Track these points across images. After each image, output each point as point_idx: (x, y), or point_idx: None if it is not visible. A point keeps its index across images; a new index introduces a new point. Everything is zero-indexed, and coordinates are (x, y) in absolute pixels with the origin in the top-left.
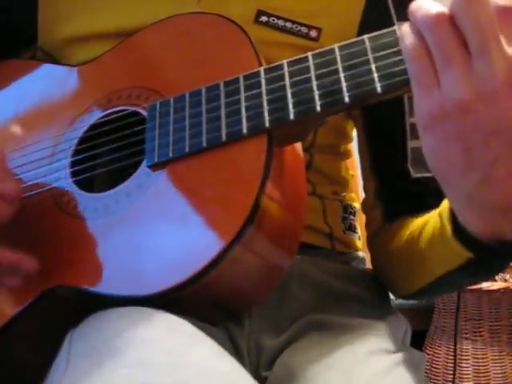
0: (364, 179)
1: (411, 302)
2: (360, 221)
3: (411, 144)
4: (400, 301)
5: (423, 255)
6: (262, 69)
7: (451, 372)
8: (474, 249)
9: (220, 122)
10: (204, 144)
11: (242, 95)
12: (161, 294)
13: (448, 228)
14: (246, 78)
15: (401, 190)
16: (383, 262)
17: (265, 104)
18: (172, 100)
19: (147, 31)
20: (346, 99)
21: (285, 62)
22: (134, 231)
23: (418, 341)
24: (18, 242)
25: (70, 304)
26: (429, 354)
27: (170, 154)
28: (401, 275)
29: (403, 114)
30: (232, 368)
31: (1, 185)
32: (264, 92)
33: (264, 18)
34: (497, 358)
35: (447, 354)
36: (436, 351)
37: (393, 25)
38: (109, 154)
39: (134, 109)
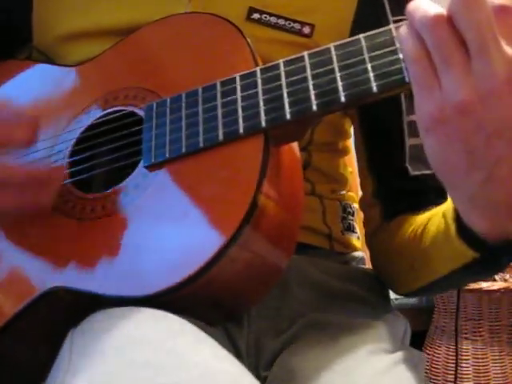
0: (361, 177)
1: (411, 301)
2: (359, 220)
3: (409, 142)
4: (400, 301)
5: (427, 254)
6: (258, 68)
7: (451, 372)
8: (480, 249)
9: (217, 122)
10: (201, 144)
11: (239, 95)
12: (159, 295)
13: (452, 228)
14: (242, 77)
15: (399, 189)
16: (383, 259)
17: (261, 104)
18: (168, 100)
19: (143, 32)
20: (342, 99)
21: (281, 61)
22: (132, 232)
23: (418, 341)
24: (16, 242)
25: (68, 304)
26: (429, 354)
27: (167, 155)
28: (402, 273)
29: (400, 112)
30: (235, 368)
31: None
32: (260, 92)
33: (256, 16)
34: (497, 358)
35: (447, 354)
36: (436, 351)
37: (388, 21)
38: (106, 155)
39: (130, 109)
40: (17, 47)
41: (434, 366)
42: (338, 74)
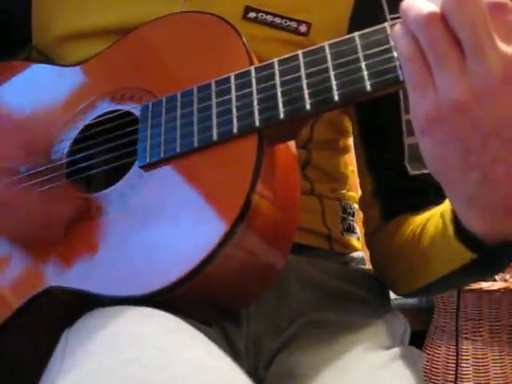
0: (360, 177)
1: (411, 301)
2: (359, 221)
3: (408, 141)
4: (400, 301)
5: (425, 255)
6: (252, 68)
7: (451, 372)
8: (478, 250)
9: (211, 121)
10: (195, 144)
11: (233, 94)
12: (154, 294)
13: (450, 229)
14: (236, 77)
15: (398, 188)
16: (383, 259)
17: (255, 103)
18: (164, 100)
19: (139, 32)
20: (336, 98)
21: (275, 60)
22: (127, 232)
23: (418, 341)
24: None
25: (65, 304)
26: (429, 354)
27: (162, 155)
28: (401, 273)
29: (399, 111)
30: (227, 366)
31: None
32: (254, 91)
33: (252, 14)
34: (497, 358)
35: (447, 354)
36: (436, 351)
37: (385, 19)
38: (103, 155)
39: (127, 109)
40: (16, 47)
41: (434, 365)
42: (331, 73)
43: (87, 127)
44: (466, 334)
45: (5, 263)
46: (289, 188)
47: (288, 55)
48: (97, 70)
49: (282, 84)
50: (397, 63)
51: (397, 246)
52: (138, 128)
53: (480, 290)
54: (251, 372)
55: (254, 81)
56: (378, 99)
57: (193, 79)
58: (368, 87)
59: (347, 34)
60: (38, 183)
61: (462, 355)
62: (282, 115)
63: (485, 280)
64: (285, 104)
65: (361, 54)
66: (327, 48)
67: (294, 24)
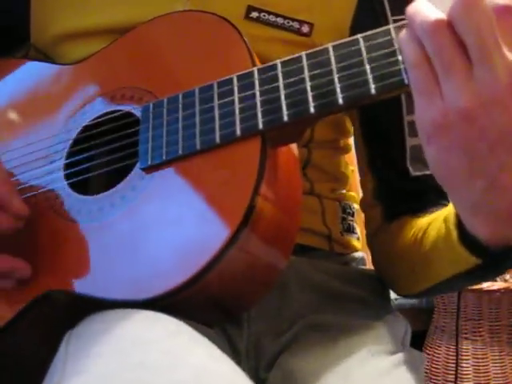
0: (362, 177)
1: (411, 302)
2: (360, 221)
3: (410, 142)
4: (400, 301)
5: (427, 259)
6: (255, 69)
7: (451, 372)
8: (482, 255)
9: (213, 124)
10: (197, 146)
11: (236, 96)
12: (158, 298)
13: (454, 234)
14: (239, 78)
15: (400, 189)
16: (384, 261)
17: (258, 105)
18: (165, 101)
19: (139, 30)
20: (340, 101)
21: (278, 62)
22: (129, 235)
23: (418, 341)
24: (12, 245)
25: (67, 307)
26: (429, 354)
27: (164, 157)
28: (402, 276)
29: (401, 112)
30: (230, 369)
31: (10, 200)
32: (257, 93)
33: (254, 14)
34: (497, 358)
35: (447, 354)
36: (436, 351)
37: (387, 20)
38: (103, 156)
39: (127, 110)
40: (15, 46)
41: (434, 366)
42: (335, 76)
43: (86, 128)
44: (465, 333)
45: None
46: (291, 190)
47: (291, 57)
48: (95, 69)
49: (286, 86)
50: (401, 66)
51: (398, 248)
52: (139, 129)
53: (480, 290)
54: (252, 373)
55: (256, 82)
56: (379, 101)
57: (194, 80)
58: (372, 90)
59: (349, 34)
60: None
61: (461, 355)
62: (285, 118)
63: None
64: (288, 106)
65: (365, 57)
66: (331, 50)
67: (296, 24)
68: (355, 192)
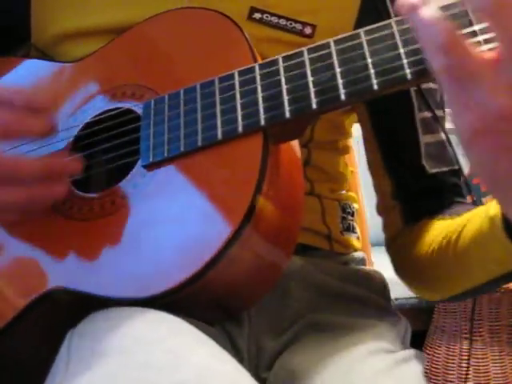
0: (377, 180)
1: (411, 302)
2: (360, 221)
3: (424, 139)
4: (400, 301)
5: (467, 261)
6: (256, 64)
7: (451, 372)
8: None
9: (215, 120)
10: (199, 143)
11: (237, 92)
12: (159, 296)
13: (503, 235)
14: (240, 73)
15: (418, 188)
16: (408, 266)
17: (260, 102)
18: (167, 97)
19: (140, 27)
20: (342, 96)
21: (280, 57)
22: (131, 232)
23: (418, 341)
24: (13, 243)
25: (69, 305)
26: (429, 354)
27: (165, 154)
28: (436, 281)
29: (412, 110)
30: (233, 368)
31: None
32: (259, 89)
33: (257, 15)
34: (497, 358)
35: (447, 354)
36: (436, 351)
37: None
38: (105, 154)
39: (128, 107)
40: (15, 45)
41: (434, 366)
42: (337, 71)
43: (87, 125)
44: (465, 333)
45: (8, 264)
46: (293, 188)
47: (292, 52)
48: (96, 67)
49: (287, 82)
50: (404, 61)
51: (426, 252)
52: (141, 126)
53: None
54: (253, 372)
55: (258, 78)
56: (390, 100)
57: (195, 76)
58: (375, 86)
59: None
60: None
61: (461, 355)
62: (287, 114)
63: None
64: (290, 102)
65: (367, 52)
66: (332, 44)
67: (299, 26)
68: (355, 193)
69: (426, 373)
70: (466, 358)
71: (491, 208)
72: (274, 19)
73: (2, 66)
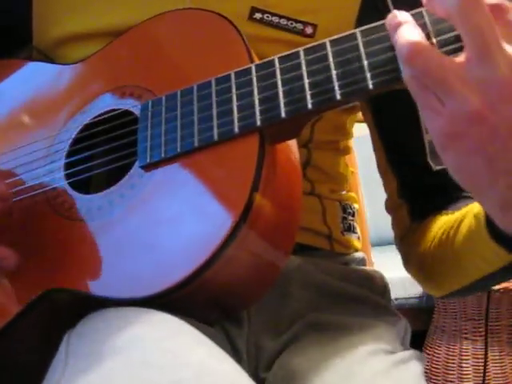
0: (384, 179)
1: (411, 302)
2: (360, 221)
3: (428, 137)
4: (400, 301)
5: (461, 258)
6: (253, 65)
7: (452, 372)
8: None
9: (211, 122)
10: (196, 144)
11: (234, 93)
12: (157, 296)
13: (485, 232)
14: (237, 75)
15: (424, 185)
16: (415, 262)
17: (256, 103)
18: (164, 98)
19: (138, 29)
20: (338, 97)
21: (276, 57)
22: (129, 233)
23: (418, 341)
24: (11, 244)
25: (66, 306)
26: (429, 354)
27: (163, 155)
28: (436, 276)
29: (415, 107)
30: (231, 368)
31: None
32: (255, 90)
33: (258, 15)
34: (497, 358)
35: (447, 354)
36: (436, 351)
37: None
38: (103, 155)
39: (126, 108)
40: (17, 47)
41: (434, 366)
42: (333, 72)
43: (86, 127)
44: (465, 333)
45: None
46: (291, 187)
47: (288, 52)
48: (95, 69)
49: (284, 83)
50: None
51: (429, 248)
52: (138, 128)
53: None
54: (252, 372)
55: (254, 79)
56: (393, 99)
57: (192, 77)
58: (370, 86)
59: None
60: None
61: (461, 355)
62: (283, 114)
63: None
64: (286, 103)
65: (362, 53)
66: (328, 45)
67: (299, 26)
68: (355, 193)
69: (426, 373)
70: (466, 358)
71: (475, 206)
72: (275, 19)
73: (5, 68)
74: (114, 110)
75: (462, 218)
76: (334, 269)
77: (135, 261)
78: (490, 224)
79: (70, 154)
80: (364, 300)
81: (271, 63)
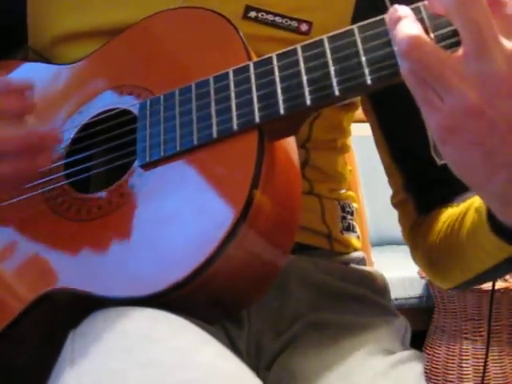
0: (389, 174)
1: (411, 302)
2: (360, 221)
3: (431, 131)
4: (400, 301)
5: (465, 250)
6: (251, 63)
7: (452, 372)
8: None
9: (210, 120)
10: (195, 142)
11: (232, 91)
12: (158, 295)
13: (486, 226)
14: (235, 72)
15: (429, 179)
16: (423, 255)
17: (255, 100)
18: (162, 97)
19: (135, 28)
20: (337, 93)
21: (274, 55)
22: (129, 232)
23: (418, 341)
24: (11, 244)
25: (68, 305)
26: (429, 354)
27: (162, 154)
28: (442, 268)
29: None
30: (237, 367)
31: None
32: (254, 87)
33: (253, 14)
34: (497, 358)
35: (447, 354)
36: (436, 351)
37: None
38: (102, 155)
39: (125, 107)
40: (13, 48)
41: (434, 366)
42: (331, 68)
43: (85, 127)
44: (465, 333)
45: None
46: (290, 185)
47: (286, 49)
48: (93, 68)
49: (282, 80)
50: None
51: (435, 240)
52: (137, 127)
53: (480, 290)
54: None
55: (252, 76)
56: (395, 94)
57: (190, 75)
58: (369, 81)
59: None
60: (40, 184)
61: (461, 355)
62: (282, 111)
63: None
64: (285, 100)
65: (360, 49)
66: (326, 42)
67: (294, 23)
68: (354, 192)
69: (426, 373)
70: (466, 358)
71: (477, 199)
72: (270, 17)
73: (2, 69)
74: (112, 110)
75: (465, 210)
76: (333, 268)
77: (136, 260)
78: (491, 217)
79: (69, 154)
80: (364, 300)
81: (269, 60)
